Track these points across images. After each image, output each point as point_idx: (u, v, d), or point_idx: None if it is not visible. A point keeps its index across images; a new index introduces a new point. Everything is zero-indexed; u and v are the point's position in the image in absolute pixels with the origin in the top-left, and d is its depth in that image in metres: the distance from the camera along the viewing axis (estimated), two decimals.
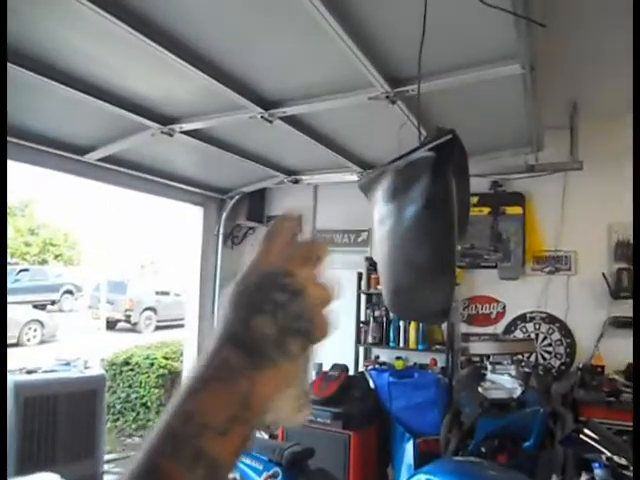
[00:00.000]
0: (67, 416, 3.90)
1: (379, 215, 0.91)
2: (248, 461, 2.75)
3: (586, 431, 2.31)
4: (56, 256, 20.50)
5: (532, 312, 4.08)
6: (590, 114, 3.57)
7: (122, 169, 3.78)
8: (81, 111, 2.86)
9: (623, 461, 2.22)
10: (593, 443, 2.28)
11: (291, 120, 3.04)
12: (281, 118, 2.94)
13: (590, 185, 3.85)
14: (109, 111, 2.79)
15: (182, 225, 5.85)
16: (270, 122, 2.93)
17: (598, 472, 2.23)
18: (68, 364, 4.28)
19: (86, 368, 4.30)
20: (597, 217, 3.87)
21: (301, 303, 0.46)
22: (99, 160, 3.54)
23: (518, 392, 3.23)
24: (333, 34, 2.05)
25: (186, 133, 3.21)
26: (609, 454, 2.24)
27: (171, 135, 3.17)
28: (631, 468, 2.19)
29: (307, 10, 1.89)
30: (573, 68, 3.19)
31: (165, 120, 3.07)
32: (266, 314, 0.45)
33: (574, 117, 3.53)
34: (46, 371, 4.07)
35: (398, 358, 4.23)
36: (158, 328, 14.01)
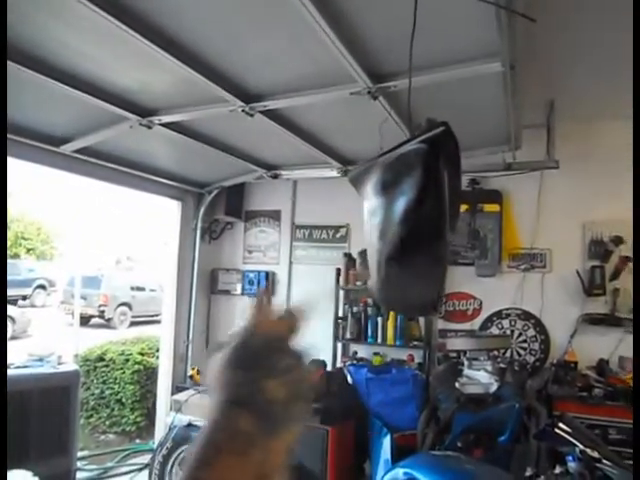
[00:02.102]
0: (40, 413, 3.82)
1: (369, 208, 0.91)
2: None
3: (560, 425, 2.36)
4: (28, 250, 20.07)
5: (508, 309, 4.14)
6: (567, 114, 3.62)
7: (99, 161, 3.72)
8: (57, 101, 2.79)
9: (596, 454, 2.27)
10: (567, 436, 2.32)
11: (272, 114, 3.02)
12: (262, 112, 2.92)
13: (565, 184, 3.92)
14: (86, 101, 2.73)
15: (159, 220, 5.77)
16: (251, 116, 2.90)
17: (572, 465, 2.27)
18: (41, 360, 4.18)
19: (60, 364, 4.21)
20: (572, 216, 3.94)
21: (303, 366, 0.48)
22: (75, 152, 3.48)
23: (494, 387, 3.27)
24: (317, 28, 2.04)
25: (165, 125, 3.17)
26: (582, 447, 2.28)
27: (150, 127, 3.12)
28: (603, 461, 2.24)
29: (291, 3, 1.87)
30: (551, 68, 3.24)
31: (144, 112, 3.02)
32: (278, 378, 0.46)
33: (551, 117, 3.58)
34: (18, 367, 3.97)
35: (376, 354, 4.25)
36: (133, 324, 13.85)
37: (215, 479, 0.42)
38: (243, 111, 2.85)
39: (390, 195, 0.86)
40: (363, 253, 4.13)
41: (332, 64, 2.40)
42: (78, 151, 3.48)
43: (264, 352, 0.47)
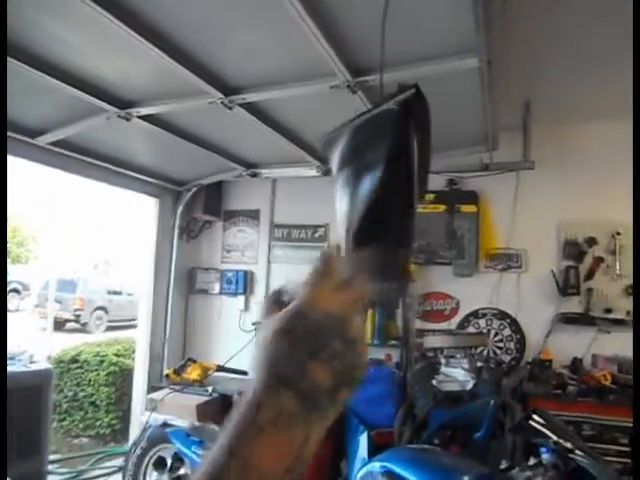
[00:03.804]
0: (11, 412, 3.72)
1: (337, 176, 0.90)
2: (201, 452, 2.70)
3: (534, 417, 2.37)
4: None
5: (484, 308, 4.17)
6: (543, 116, 3.69)
7: (75, 155, 3.66)
8: (32, 90, 2.74)
9: (569, 445, 2.29)
10: (541, 428, 2.34)
11: (252, 108, 3.01)
12: (241, 105, 2.91)
13: (541, 185, 3.98)
14: (63, 91, 2.69)
15: (137, 220, 5.70)
16: (230, 109, 2.89)
17: (545, 456, 2.29)
18: (12, 358, 4.08)
19: (31, 362, 4.12)
20: (547, 217, 4.01)
21: (355, 352, 0.46)
22: (51, 144, 3.42)
23: (470, 385, 3.29)
24: (298, 19, 2.05)
25: (143, 118, 3.13)
26: (556, 438, 2.30)
27: (128, 119, 3.09)
28: (576, 451, 2.26)
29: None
30: (527, 69, 3.30)
31: (122, 104, 2.99)
32: (324, 362, 0.44)
33: (527, 118, 3.64)
34: None
35: None
36: (109, 328, 13.63)
37: (259, 455, 0.41)
38: (222, 104, 2.84)
39: (358, 162, 0.85)
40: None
41: (312, 57, 2.40)
42: (54, 144, 3.42)
43: (319, 332, 0.45)
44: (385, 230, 0.98)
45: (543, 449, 2.32)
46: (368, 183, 0.97)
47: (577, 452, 2.25)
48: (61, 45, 2.36)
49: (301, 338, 0.44)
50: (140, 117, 3.11)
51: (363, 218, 0.94)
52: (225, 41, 2.40)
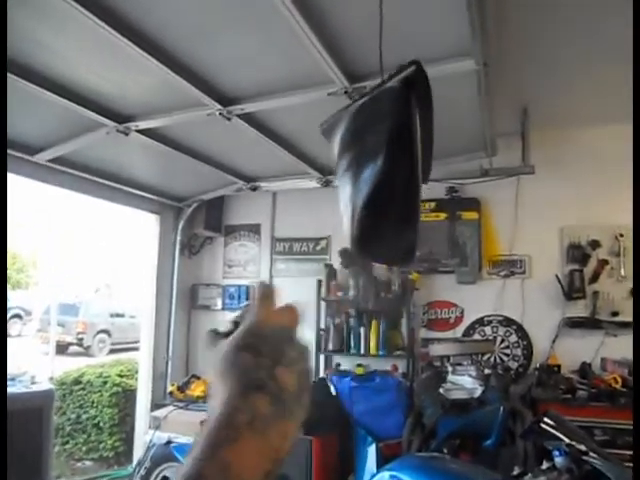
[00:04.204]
0: (11, 435, 3.66)
1: (341, 157, 0.89)
2: None
3: (545, 419, 2.32)
4: None
5: (489, 315, 4.14)
6: (540, 120, 3.70)
7: (75, 172, 3.66)
8: (31, 105, 2.76)
9: (582, 447, 2.24)
10: (552, 431, 2.29)
11: (250, 119, 3.02)
12: (240, 116, 2.92)
13: (542, 190, 3.97)
14: (61, 106, 2.70)
15: (137, 239, 5.69)
16: (228, 119, 2.90)
17: (558, 460, 2.23)
18: (13, 379, 4.04)
19: (33, 383, 4.07)
20: (549, 221, 3.99)
21: (307, 358, 0.51)
22: (51, 161, 3.42)
23: (478, 392, 3.24)
24: (295, 26, 2.06)
25: (142, 132, 3.15)
26: (568, 441, 2.25)
27: (127, 134, 3.10)
28: (590, 453, 2.21)
29: (271, 2, 1.89)
30: (524, 75, 3.31)
31: (121, 118, 3.00)
32: (286, 367, 0.47)
33: (525, 123, 3.65)
34: None
35: (359, 365, 4.20)
36: (112, 351, 13.51)
37: (238, 459, 0.42)
38: (221, 114, 2.85)
39: (360, 144, 0.84)
40: (343, 252, 4.12)
41: (309, 64, 2.42)
42: (54, 160, 3.43)
43: (276, 340, 0.49)
44: (390, 212, 0.96)
45: (556, 453, 2.27)
46: (371, 166, 0.95)
47: (591, 454, 2.20)
48: (57, 58, 2.38)
49: (262, 348, 0.48)
50: (139, 131, 3.12)
51: (367, 202, 0.92)
52: (222, 51, 2.41)
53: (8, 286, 19.81)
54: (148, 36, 2.19)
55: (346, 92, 2.60)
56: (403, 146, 0.79)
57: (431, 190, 4.00)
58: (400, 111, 0.77)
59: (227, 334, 0.52)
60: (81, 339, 13.56)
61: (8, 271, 20.62)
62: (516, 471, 2.51)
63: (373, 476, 2.57)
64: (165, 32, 2.21)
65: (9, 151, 3.18)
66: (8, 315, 15.43)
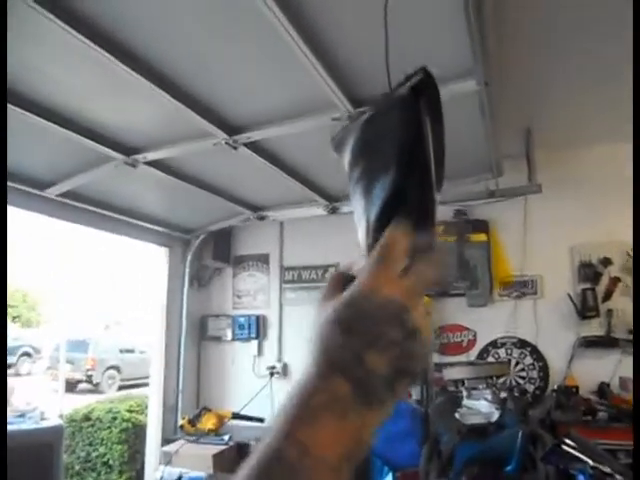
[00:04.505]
0: (20, 472, 3.60)
1: (352, 170, 0.88)
2: None
3: (567, 441, 2.26)
4: (14, 318, 19.66)
5: (503, 338, 4.07)
6: (545, 140, 3.72)
7: (85, 206, 3.70)
8: (39, 139, 2.80)
9: (607, 469, 2.17)
10: (575, 453, 2.23)
11: (256, 147, 3.05)
12: (246, 145, 2.96)
13: (550, 210, 3.96)
14: (70, 139, 2.74)
15: (147, 272, 5.70)
16: (235, 148, 2.93)
17: None
18: (22, 415, 4.00)
19: (42, 419, 4.03)
20: (559, 240, 3.96)
21: (415, 342, 0.44)
22: (60, 195, 3.46)
23: (495, 416, 3.16)
24: (298, 52, 2.10)
25: (150, 164, 3.18)
26: (593, 463, 2.19)
27: (134, 166, 3.13)
28: (616, 476, 2.14)
29: (273, 28, 1.93)
30: (526, 96, 3.34)
31: (128, 150, 3.04)
32: (381, 351, 0.43)
33: (529, 143, 3.67)
34: None
35: None
36: (122, 388, 13.41)
37: (316, 439, 0.41)
38: (227, 144, 2.88)
39: (370, 156, 0.84)
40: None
41: (313, 90, 2.45)
42: (64, 195, 3.46)
43: (376, 319, 0.44)
44: (404, 222, 0.95)
45: (580, 477, 2.21)
46: (383, 176, 0.95)
47: (617, 477, 2.13)
48: (63, 90, 2.41)
49: (356, 326, 0.44)
50: (146, 163, 3.15)
51: (381, 213, 0.92)
52: (226, 80, 2.46)
53: (19, 324, 19.85)
54: (153, 66, 2.23)
55: (350, 117, 2.62)
56: (414, 155, 0.78)
57: (439, 213, 3.97)
58: (409, 119, 0.77)
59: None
60: (90, 376, 13.49)
61: (19, 309, 20.68)
62: None
63: None
64: (170, 62, 2.25)
65: (19, 186, 3.22)
66: (17, 354, 15.42)
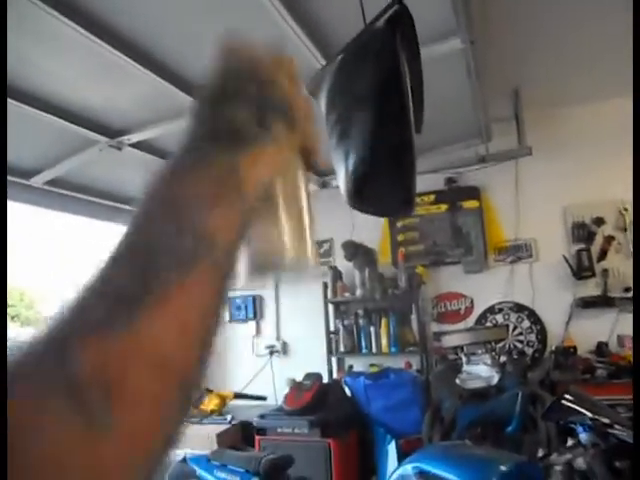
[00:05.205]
0: None
1: (329, 112, 0.86)
2: (223, 475, 2.59)
3: (567, 396, 2.27)
4: (12, 317, 19.61)
5: (500, 303, 4.08)
6: (534, 101, 3.68)
7: (73, 193, 3.64)
8: (22, 126, 2.73)
9: (606, 420, 2.18)
10: (575, 406, 2.23)
11: None
12: None
13: (540, 172, 3.94)
14: (52, 125, 2.69)
15: None
16: None
17: (583, 435, 2.18)
18: None
19: None
20: (551, 202, 3.95)
21: (277, 89, 0.42)
22: (46, 183, 3.41)
23: (495, 379, 3.18)
24: (286, 27, 2.07)
25: (136, 146, 3.13)
26: (592, 415, 2.19)
27: (119, 149, 3.08)
28: (615, 426, 2.15)
29: (260, 4, 1.90)
30: (511, 55, 3.30)
31: (112, 132, 2.99)
32: (243, 102, 0.40)
33: (517, 104, 3.63)
34: None
35: (372, 365, 4.14)
36: None
37: (189, 189, 0.36)
38: None
39: (348, 94, 0.82)
40: (346, 244, 4.08)
41: (300, 62, 2.41)
42: (50, 183, 3.41)
43: (224, 82, 0.42)
44: (384, 161, 0.93)
45: (580, 429, 2.21)
46: (360, 115, 0.93)
47: (616, 427, 2.14)
48: (43, 73, 2.36)
49: (213, 94, 0.41)
50: (132, 145, 3.10)
51: (360, 153, 0.90)
52: (211, 55, 2.40)
53: (18, 323, 19.80)
54: (136, 44, 2.19)
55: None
56: (392, 90, 0.76)
57: (430, 182, 3.98)
58: (385, 52, 0.75)
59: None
60: None
61: (17, 308, 20.62)
62: (541, 453, 2.45)
63: (395, 470, 2.51)
64: (153, 39, 2.21)
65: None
66: None
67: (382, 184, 0.82)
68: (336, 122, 0.81)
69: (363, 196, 0.84)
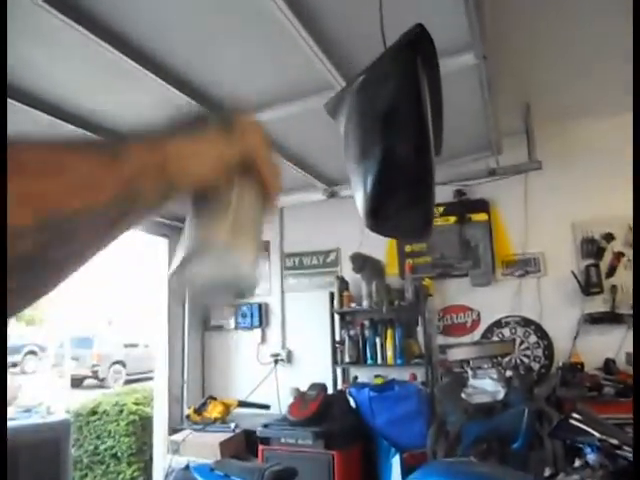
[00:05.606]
0: (29, 467, 3.60)
1: (348, 132, 0.85)
2: None
3: (574, 415, 2.24)
4: (17, 317, 19.66)
5: (507, 317, 4.05)
6: (544, 116, 3.67)
7: None
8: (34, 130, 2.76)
9: (615, 441, 2.15)
10: (582, 426, 2.21)
11: None
12: None
13: (550, 186, 3.93)
14: (64, 129, 2.71)
15: (148, 264, 5.67)
16: None
17: (591, 456, 2.15)
18: (29, 411, 4.00)
19: (49, 414, 4.03)
20: (560, 217, 3.93)
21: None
22: None
23: (501, 394, 3.16)
24: (293, 31, 2.07)
25: None
26: (600, 435, 2.17)
27: None
28: (624, 447, 2.12)
29: (267, 10, 1.90)
30: (523, 70, 3.29)
31: None
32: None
33: (528, 119, 3.62)
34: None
35: (377, 376, 4.12)
36: (128, 382, 13.44)
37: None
38: None
39: (367, 115, 0.81)
40: (354, 257, 4.07)
41: (309, 72, 2.42)
42: None
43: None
44: (402, 184, 0.92)
45: (588, 449, 2.19)
46: (379, 137, 0.92)
47: (625, 448, 2.12)
48: (51, 79, 2.38)
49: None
50: None
51: (379, 174, 0.89)
52: (220, 64, 2.42)
53: (22, 323, 19.89)
54: (146, 52, 2.20)
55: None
56: (412, 113, 0.75)
57: (439, 194, 3.95)
58: (407, 76, 0.74)
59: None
60: (96, 371, 13.53)
61: None
62: (547, 472, 2.43)
63: None
64: (163, 47, 2.22)
65: None
66: (23, 352, 15.45)
67: (400, 207, 0.81)
68: (355, 143, 0.81)
69: (380, 217, 0.83)
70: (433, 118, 0.80)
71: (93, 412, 5.79)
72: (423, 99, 0.75)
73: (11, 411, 4.02)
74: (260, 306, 4.87)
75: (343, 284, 4.39)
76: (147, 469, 5.23)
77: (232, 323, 4.96)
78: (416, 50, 0.74)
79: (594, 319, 3.71)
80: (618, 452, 2.13)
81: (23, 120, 2.51)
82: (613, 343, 3.62)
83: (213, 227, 0.49)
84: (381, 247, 4.27)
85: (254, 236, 0.50)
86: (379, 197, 0.79)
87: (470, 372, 3.34)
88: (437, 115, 0.81)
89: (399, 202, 0.82)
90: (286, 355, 4.70)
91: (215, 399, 4.14)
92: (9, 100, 2.36)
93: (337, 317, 4.42)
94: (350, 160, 0.85)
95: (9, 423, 3.70)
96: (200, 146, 0.47)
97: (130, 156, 0.41)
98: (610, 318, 3.67)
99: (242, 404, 4.09)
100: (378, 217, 0.84)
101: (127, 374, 14.11)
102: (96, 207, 0.37)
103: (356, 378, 4.31)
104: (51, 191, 0.34)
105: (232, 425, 3.94)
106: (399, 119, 0.74)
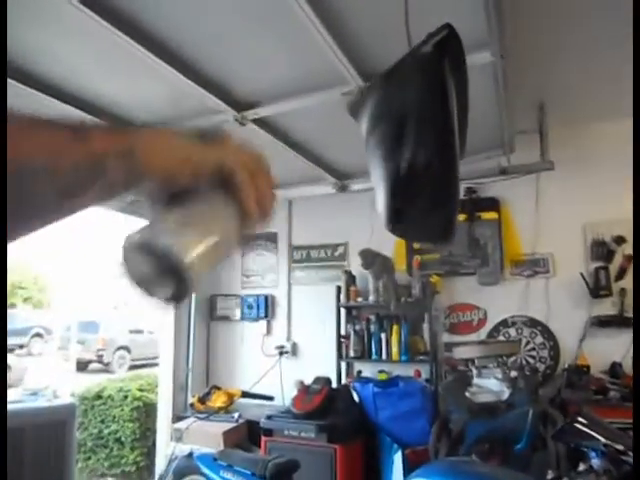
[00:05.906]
0: (34, 450, 3.63)
1: (370, 133, 0.84)
2: (229, 476, 2.60)
3: (579, 419, 2.24)
4: (25, 299, 19.86)
5: (513, 317, 4.04)
6: (558, 116, 3.63)
7: None
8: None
9: (620, 447, 2.15)
10: (587, 430, 2.20)
11: (265, 124, 3.01)
12: (255, 121, 2.91)
13: (562, 187, 3.89)
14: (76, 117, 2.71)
15: None
16: (243, 125, 2.89)
17: (595, 461, 2.15)
18: (35, 394, 4.04)
19: (55, 397, 4.06)
20: (571, 218, 3.90)
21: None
22: None
23: (506, 394, 3.15)
24: (309, 25, 2.05)
25: None
26: (605, 440, 2.16)
27: None
28: (629, 453, 2.12)
29: (289, 5, 1.88)
30: (539, 70, 3.26)
31: None
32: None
33: (542, 119, 3.58)
34: (11, 402, 3.82)
35: (381, 372, 4.12)
36: (132, 367, 13.55)
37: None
38: (235, 120, 2.84)
39: (390, 116, 0.80)
40: (363, 253, 4.06)
41: (323, 64, 2.39)
42: None
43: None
44: (425, 188, 0.91)
45: (592, 454, 2.18)
46: (403, 140, 0.91)
47: (630, 453, 2.11)
48: (70, 68, 2.38)
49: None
50: None
51: (402, 178, 0.88)
52: (236, 55, 2.40)
53: (30, 305, 20.07)
54: (162, 43, 2.19)
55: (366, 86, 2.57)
56: (438, 116, 0.74)
57: None
58: (433, 77, 0.73)
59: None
60: (101, 356, 13.65)
61: (30, 290, 20.90)
62: (550, 475, 2.42)
63: None
64: (179, 38, 2.21)
65: None
66: (30, 334, 15.60)
67: (422, 209, 0.81)
68: (378, 144, 0.80)
69: (401, 219, 0.82)
70: (458, 120, 0.79)
71: (98, 396, 5.85)
72: (450, 103, 0.73)
73: (17, 393, 4.06)
74: (266, 298, 4.88)
75: (350, 278, 4.39)
76: (150, 455, 5.28)
77: (238, 314, 4.97)
78: (444, 52, 0.73)
79: (602, 322, 3.69)
80: (623, 458, 2.12)
81: (39, 106, 2.51)
82: (620, 347, 3.60)
83: (167, 213, 0.52)
84: (390, 242, 4.25)
85: (204, 239, 0.51)
86: (400, 198, 0.78)
87: (475, 371, 3.33)
88: (462, 117, 0.80)
89: (421, 205, 0.81)
90: (291, 347, 4.71)
91: (219, 388, 4.15)
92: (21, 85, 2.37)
93: (343, 311, 4.42)
94: (372, 160, 0.84)
95: (16, 405, 3.75)
96: (171, 143, 0.52)
97: (102, 136, 0.46)
98: (618, 321, 3.65)
99: (246, 395, 4.09)
100: (399, 218, 0.83)
101: (131, 359, 14.23)
102: (60, 166, 0.43)
103: (360, 372, 4.31)
104: (24, 146, 0.40)
105: (235, 415, 3.96)
106: (425, 123, 0.73)
